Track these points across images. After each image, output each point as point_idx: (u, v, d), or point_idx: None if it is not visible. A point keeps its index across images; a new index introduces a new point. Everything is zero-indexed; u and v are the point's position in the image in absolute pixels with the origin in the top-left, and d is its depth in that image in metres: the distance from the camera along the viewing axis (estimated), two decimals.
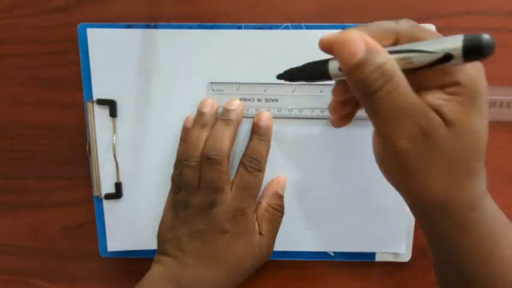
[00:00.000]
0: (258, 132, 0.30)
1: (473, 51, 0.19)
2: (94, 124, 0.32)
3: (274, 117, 0.31)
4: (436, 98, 0.20)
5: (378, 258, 0.34)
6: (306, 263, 0.35)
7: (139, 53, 0.31)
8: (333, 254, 0.34)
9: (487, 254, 0.22)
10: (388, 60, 0.19)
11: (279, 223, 0.32)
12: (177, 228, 0.30)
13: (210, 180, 0.29)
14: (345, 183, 0.33)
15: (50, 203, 0.35)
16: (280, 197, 0.32)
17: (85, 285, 0.37)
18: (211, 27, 0.31)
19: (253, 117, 0.31)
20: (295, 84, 0.31)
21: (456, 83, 0.20)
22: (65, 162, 0.34)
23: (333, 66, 0.22)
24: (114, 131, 0.32)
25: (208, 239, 0.29)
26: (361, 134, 0.32)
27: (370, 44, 0.19)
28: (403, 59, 0.20)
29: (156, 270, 0.30)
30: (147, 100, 0.32)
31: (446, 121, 0.20)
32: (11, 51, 0.33)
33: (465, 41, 0.19)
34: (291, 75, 0.26)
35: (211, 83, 0.31)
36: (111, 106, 0.32)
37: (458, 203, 0.21)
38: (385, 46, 0.20)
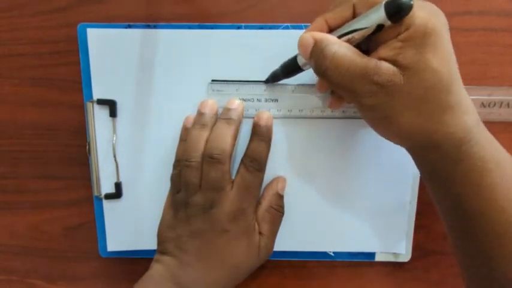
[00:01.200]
0: (259, 132, 0.30)
1: (396, 14, 0.21)
2: (94, 124, 0.32)
3: (274, 118, 0.31)
4: (390, 49, 0.22)
5: (377, 258, 0.34)
6: (306, 263, 0.35)
7: (139, 53, 0.31)
8: (333, 254, 0.34)
9: (478, 183, 0.23)
10: (328, 43, 0.23)
11: (280, 223, 0.32)
12: (177, 228, 0.30)
13: (212, 179, 0.28)
14: (345, 183, 0.33)
15: (50, 203, 0.35)
16: (281, 197, 0.32)
17: (85, 285, 0.37)
18: (211, 27, 0.31)
19: (253, 117, 0.31)
20: (295, 85, 0.31)
21: (407, 28, 0.22)
22: (65, 162, 0.34)
23: (300, 59, 0.27)
24: (114, 131, 0.32)
25: (208, 239, 0.29)
26: (361, 134, 0.32)
27: (316, 36, 0.24)
28: (347, 39, 0.24)
29: (156, 269, 0.30)
30: (147, 100, 0.32)
31: (401, 67, 0.22)
32: (11, 51, 0.33)
33: (386, 8, 0.21)
34: (275, 77, 0.30)
35: (211, 83, 0.31)
36: (111, 106, 0.32)
37: (442, 138, 0.23)
38: (343, 22, 0.24)
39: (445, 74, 0.22)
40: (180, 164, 0.30)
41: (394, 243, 0.34)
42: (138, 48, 0.31)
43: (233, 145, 0.29)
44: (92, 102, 0.32)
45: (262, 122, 0.30)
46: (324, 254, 0.34)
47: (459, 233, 0.26)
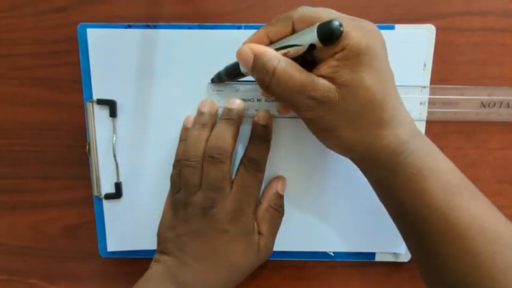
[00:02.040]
0: (258, 132, 0.30)
1: (327, 38, 0.22)
2: (94, 124, 0.32)
3: (274, 117, 0.31)
4: (327, 67, 0.23)
5: (377, 258, 0.35)
6: (306, 263, 0.35)
7: (139, 53, 0.31)
8: (332, 254, 0.34)
9: (415, 189, 0.24)
10: (269, 59, 0.24)
11: (279, 223, 0.32)
12: (177, 228, 0.30)
13: (213, 179, 0.29)
14: (345, 183, 0.33)
15: (50, 203, 0.35)
16: (281, 197, 0.32)
17: (85, 285, 0.37)
18: (211, 27, 0.31)
19: (253, 117, 0.31)
20: None
21: (343, 48, 0.23)
22: (65, 162, 0.34)
23: (242, 68, 0.28)
24: (114, 131, 0.32)
25: (208, 239, 0.29)
26: None
27: (256, 50, 0.25)
28: (284, 53, 0.24)
29: (155, 269, 0.30)
30: (147, 100, 0.32)
31: (337, 85, 0.23)
32: (11, 51, 0.33)
33: (318, 32, 0.22)
34: (219, 78, 0.31)
35: (211, 83, 0.31)
36: (111, 106, 0.32)
37: (378, 150, 0.24)
38: (282, 36, 0.25)
39: (379, 92, 0.23)
40: (180, 163, 0.30)
41: (394, 243, 0.34)
42: (138, 48, 0.31)
43: (233, 145, 0.29)
44: (92, 102, 0.32)
45: (262, 122, 0.30)
46: (324, 254, 0.34)
47: (409, 237, 0.27)
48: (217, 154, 0.28)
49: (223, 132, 0.29)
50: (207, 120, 0.30)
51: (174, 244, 0.30)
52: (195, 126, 0.30)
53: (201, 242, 0.29)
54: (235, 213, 0.29)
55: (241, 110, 0.30)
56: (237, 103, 0.30)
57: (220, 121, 0.30)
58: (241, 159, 0.30)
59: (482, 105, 0.32)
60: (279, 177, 0.33)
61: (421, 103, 0.32)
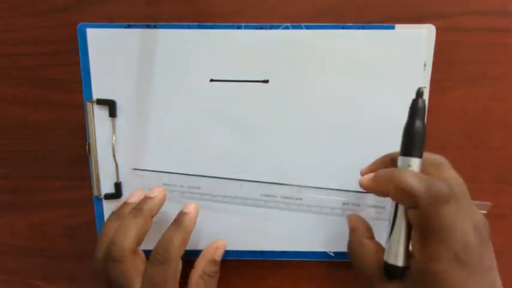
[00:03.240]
0: (178, 220, 0.29)
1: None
2: (94, 124, 0.32)
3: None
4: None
5: None
6: (306, 263, 0.35)
7: (139, 53, 0.31)
8: (332, 254, 0.34)
9: None
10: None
11: (215, 285, 0.31)
12: None
13: (115, 278, 0.27)
14: (345, 183, 0.33)
15: (50, 203, 0.35)
16: (217, 264, 0.31)
17: (85, 285, 0.37)
18: (211, 27, 0.31)
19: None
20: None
21: None
22: (65, 162, 0.34)
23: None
24: (114, 131, 0.32)
25: None
26: (361, 134, 0.32)
27: None
28: None
29: None
30: (147, 100, 0.32)
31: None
32: (11, 51, 0.33)
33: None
34: None
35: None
36: (111, 106, 0.32)
37: None
38: None
39: None
40: (93, 255, 0.28)
41: None
42: (138, 48, 0.31)
43: (136, 240, 0.27)
44: (92, 102, 0.32)
45: (186, 210, 0.29)
46: (324, 254, 0.34)
47: None
48: (115, 252, 0.26)
49: (125, 226, 0.27)
50: (122, 213, 0.29)
51: None
52: (112, 218, 0.29)
53: None
54: None
55: (158, 202, 0.29)
56: (156, 192, 0.29)
57: (128, 213, 0.28)
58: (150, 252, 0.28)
59: None
60: (217, 243, 0.32)
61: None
